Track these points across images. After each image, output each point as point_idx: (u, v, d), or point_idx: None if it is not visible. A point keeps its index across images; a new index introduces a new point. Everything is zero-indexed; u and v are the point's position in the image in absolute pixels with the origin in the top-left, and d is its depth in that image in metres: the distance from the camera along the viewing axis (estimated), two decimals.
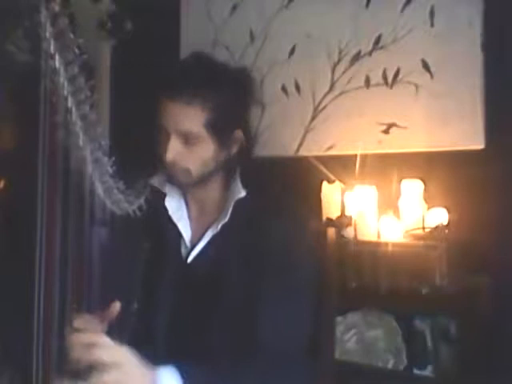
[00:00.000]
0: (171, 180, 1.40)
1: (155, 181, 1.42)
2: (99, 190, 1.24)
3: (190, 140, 1.32)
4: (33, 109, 1.13)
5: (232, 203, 1.36)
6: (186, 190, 1.42)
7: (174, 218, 1.41)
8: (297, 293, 1.32)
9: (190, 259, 1.39)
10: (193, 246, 1.39)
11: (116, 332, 1.27)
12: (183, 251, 1.41)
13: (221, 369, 1.21)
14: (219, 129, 1.33)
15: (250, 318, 1.27)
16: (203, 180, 1.38)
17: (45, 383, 1.14)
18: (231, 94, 1.35)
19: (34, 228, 1.12)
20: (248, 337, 1.25)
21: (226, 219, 1.35)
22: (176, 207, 1.42)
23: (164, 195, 1.42)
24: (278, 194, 1.47)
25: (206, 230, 1.39)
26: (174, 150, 1.32)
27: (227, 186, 1.41)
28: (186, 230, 1.41)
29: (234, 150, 1.39)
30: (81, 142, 1.17)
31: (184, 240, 1.41)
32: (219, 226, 1.36)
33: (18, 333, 1.33)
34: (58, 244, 1.14)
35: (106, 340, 1.10)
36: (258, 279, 1.30)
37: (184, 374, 1.13)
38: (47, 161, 1.11)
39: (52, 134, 1.11)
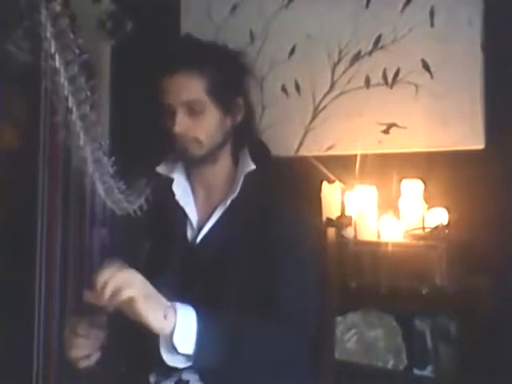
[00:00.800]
0: (183, 154, 1.42)
1: (162, 168, 1.46)
2: (100, 190, 1.24)
3: (194, 110, 1.37)
4: (33, 109, 1.13)
5: (242, 177, 1.39)
6: (198, 165, 1.44)
7: (181, 203, 1.43)
8: (307, 268, 1.34)
9: (198, 240, 1.40)
10: (200, 229, 1.41)
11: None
12: (190, 234, 1.43)
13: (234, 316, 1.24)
14: (221, 94, 1.38)
15: (260, 293, 1.29)
16: (213, 153, 1.41)
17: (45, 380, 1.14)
18: (228, 62, 1.42)
19: (35, 227, 1.12)
20: (260, 313, 1.27)
21: (236, 194, 1.38)
22: (183, 192, 1.45)
23: (171, 181, 1.45)
24: (286, 170, 1.50)
25: (214, 210, 1.41)
26: (181, 121, 1.36)
27: (236, 161, 1.44)
28: (192, 214, 1.43)
29: (239, 118, 1.43)
30: (81, 142, 1.18)
31: (191, 223, 1.43)
32: (228, 202, 1.38)
33: (19, 329, 1.33)
34: (58, 243, 1.14)
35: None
36: (268, 254, 1.32)
37: (200, 313, 1.16)
38: (48, 161, 1.11)
39: (52, 134, 1.11)
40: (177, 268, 1.39)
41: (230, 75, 1.41)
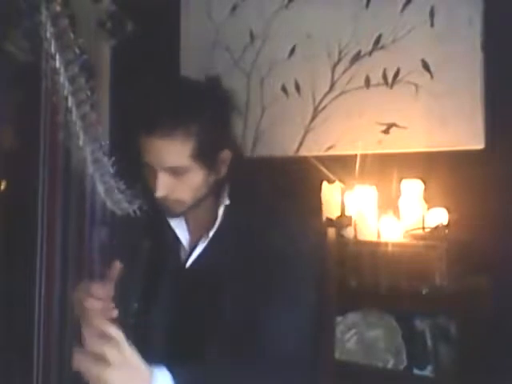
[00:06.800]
0: (165, 212, 1.36)
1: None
2: (100, 190, 1.24)
3: (178, 172, 1.29)
4: (33, 109, 1.13)
5: (221, 212, 1.35)
6: (180, 215, 1.39)
7: (172, 224, 1.40)
8: (297, 293, 1.31)
9: (188, 264, 1.38)
10: (191, 251, 1.39)
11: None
12: (182, 255, 1.40)
13: (216, 370, 1.20)
14: (206, 156, 1.29)
15: (248, 321, 1.27)
16: (197, 204, 1.36)
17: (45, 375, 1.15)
18: (213, 117, 1.30)
19: (35, 228, 1.12)
20: (247, 340, 1.25)
21: (215, 227, 1.34)
22: None
23: None
24: (270, 195, 1.45)
25: (201, 236, 1.38)
26: (163, 186, 1.29)
27: (218, 197, 1.38)
28: (183, 235, 1.40)
29: (224, 170, 1.35)
30: (81, 143, 1.17)
31: (183, 245, 1.40)
32: (210, 234, 1.35)
33: (19, 329, 1.33)
34: (58, 244, 1.14)
35: (117, 334, 1.07)
36: (256, 283, 1.28)
37: (176, 375, 1.10)
38: (48, 161, 1.11)
39: (53, 134, 1.11)
40: (167, 288, 1.36)
41: (216, 131, 1.29)
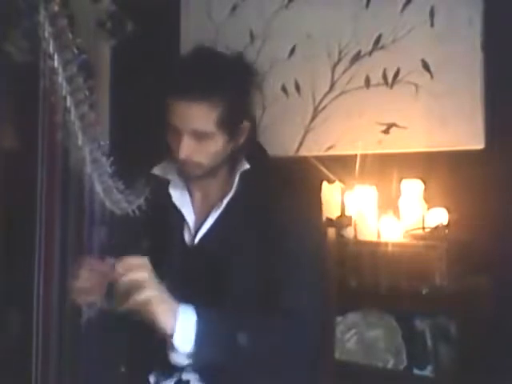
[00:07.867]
0: (183, 173, 1.42)
1: (158, 169, 1.46)
2: (99, 189, 1.24)
3: (201, 136, 1.34)
4: (32, 108, 1.13)
5: (237, 177, 1.39)
6: (196, 180, 1.44)
7: (178, 204, 1.43)
8: (307, 264, 1.34)
9: (196, 241, 1.40)
10: (197, 230, 1.41)
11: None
12: (188, 236, 1.43)
13: (237, 317, 1.26)
14: (229, 124, 1.35)
15: (261, 289, 1.30)
16: (213, 170, 1.41)
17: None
18: (237, 87, 1.37)
19: (34, 227, 1.12)
20: (262, 307, 1.29)
21: (231, 194, 1.38)
22: (180, 193, 1.45)
23: (167, 182, 1.44)
24: (283, 168, 1.51)
25: (211, 211, 1.40)
26: (187, 148, 1.34)
27: (232, 164, 1.43)
28: (189, 215, 1.43)
29: (242, 140, 1.41)
30: (80, 142, 1.18)
31: (188, 225, 1.43)
32: (224, 202, 1.38)
33: (19, 329, 1.34)
34: (57, 242, 1.14)
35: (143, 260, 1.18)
36: (267, 253, 1.32)
37: (200, 313, 1.19)
38: (46, 161, 1.11)
39: (51, 133, 1.11)
40: (175, 271, 1.38)
41: (240, 101, 1.37)
